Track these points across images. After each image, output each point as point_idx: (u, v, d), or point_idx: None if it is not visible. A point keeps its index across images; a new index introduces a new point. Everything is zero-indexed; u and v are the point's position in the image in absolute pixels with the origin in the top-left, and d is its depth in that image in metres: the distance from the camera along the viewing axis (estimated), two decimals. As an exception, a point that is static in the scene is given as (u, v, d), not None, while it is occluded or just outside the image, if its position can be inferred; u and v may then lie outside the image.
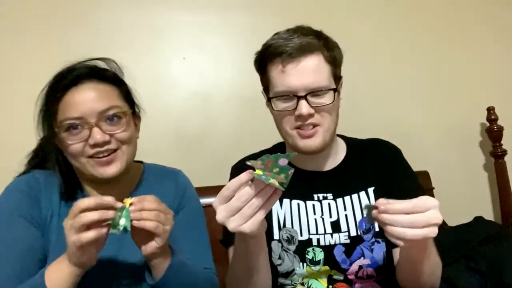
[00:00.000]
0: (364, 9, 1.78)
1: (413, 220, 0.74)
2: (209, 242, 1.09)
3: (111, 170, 0.93)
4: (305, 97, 0.97)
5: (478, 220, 1.57)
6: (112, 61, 1.00)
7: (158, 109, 1.58)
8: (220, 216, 0.76)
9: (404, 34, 1.81)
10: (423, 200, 0.76)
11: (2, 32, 1.55)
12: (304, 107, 0.97)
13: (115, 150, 0.93)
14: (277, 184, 0.74)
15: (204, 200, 1.24)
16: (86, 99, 0.90)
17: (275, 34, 1.05)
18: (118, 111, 0.93)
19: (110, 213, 0.77)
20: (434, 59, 1.83)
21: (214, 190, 1.44)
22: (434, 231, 0.75)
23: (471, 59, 1.86)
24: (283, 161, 0.76)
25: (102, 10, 1.61)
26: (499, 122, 1.75)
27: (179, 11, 1.66)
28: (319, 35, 1.02)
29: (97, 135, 0.89)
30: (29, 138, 1.01)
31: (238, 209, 0.75)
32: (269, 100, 1.05)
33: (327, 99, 1.00)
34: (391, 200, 0.77)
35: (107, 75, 0.96)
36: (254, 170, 0.75)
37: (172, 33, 1.66)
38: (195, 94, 1.65)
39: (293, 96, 0.99)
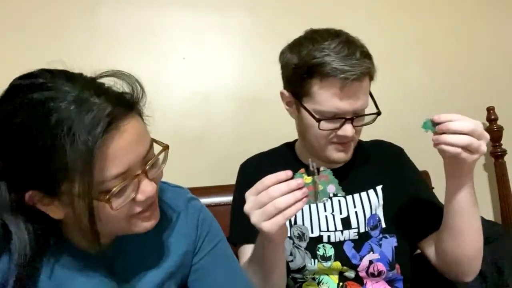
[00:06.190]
0: (364, 9, 1.78)
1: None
2: (237, 262, 0.96)
3: (153, 222, 0.74)
4: (351, 120, 0.99)
5: (478, 220, 1.57)
6: (133, 78, 0.73)
7: (157, 109, 1.56)
8: (247, 206, 0.79)
9: (404, 33, 1.81)
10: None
11: (1, 32, 1.54)
12: (349, 130, 0.99)
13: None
14: (319, 195, 0.79)
15: (204, 200, 1.24)
16: (129, 144, 0.65)
17: (315, 41, 0.97)
18: (151, 149, 0.71)
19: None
20: (434, 59, 1.82)
21: (213, 190, 1.46)
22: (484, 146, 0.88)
23: (471, 59, 1.85)
24: (331, 188, 0.80)
25: (101, 9, 1.61)
26: (499, 122, 1.75)
27: (178, 10, 1.66)
28: (369, 54, 1.01)
29: (149, 187, 0.68)
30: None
31: (264, 204, 0.77)
32: (311, 114, 1.00)
33: (368, 120, 1.04)
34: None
35: (135, 102, 0.72)
36: (304, 172, 0.79)
37: (172, 33, 1.65)
38: (195, 94, 1.65)
39: (340, 117, 0.99)
